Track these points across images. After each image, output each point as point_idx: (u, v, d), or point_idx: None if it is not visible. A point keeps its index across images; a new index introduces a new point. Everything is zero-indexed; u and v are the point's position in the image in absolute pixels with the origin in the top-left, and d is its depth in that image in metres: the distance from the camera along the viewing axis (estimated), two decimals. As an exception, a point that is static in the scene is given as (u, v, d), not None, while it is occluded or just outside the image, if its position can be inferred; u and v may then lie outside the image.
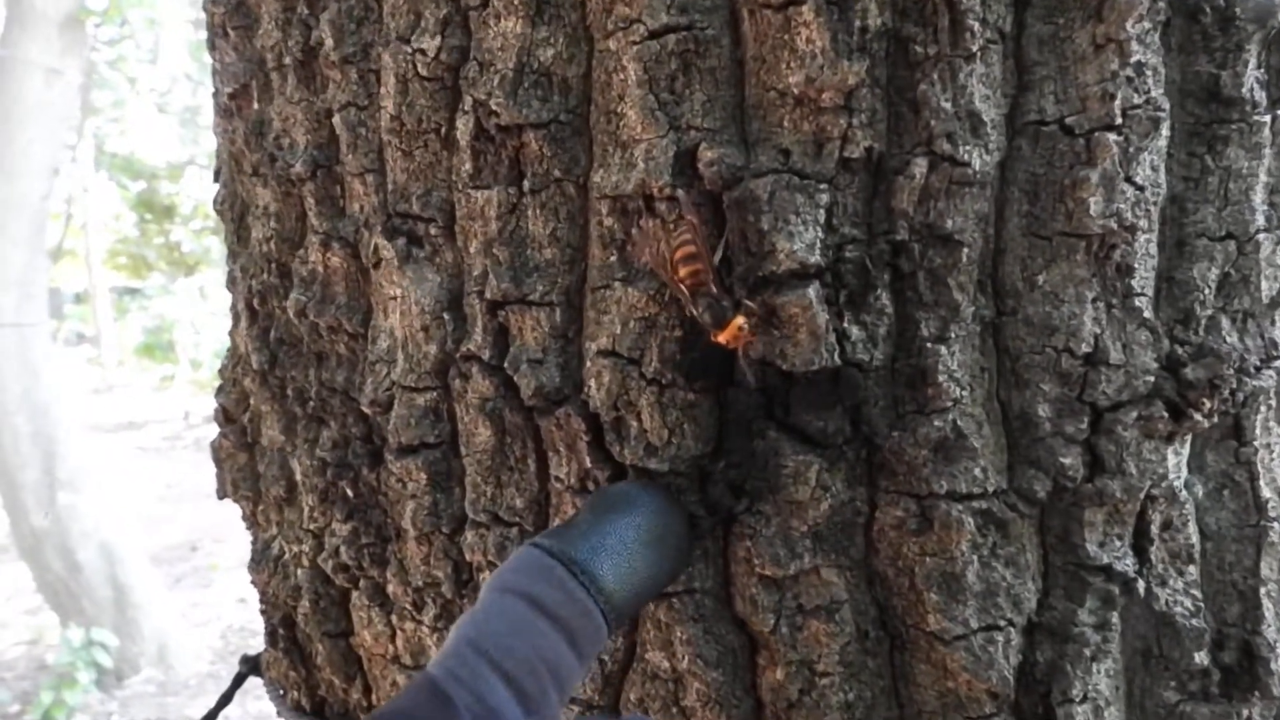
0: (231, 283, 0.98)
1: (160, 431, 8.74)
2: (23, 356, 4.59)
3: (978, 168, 0.66)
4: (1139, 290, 0.68)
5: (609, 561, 0.62)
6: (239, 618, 5.20)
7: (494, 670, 0.56)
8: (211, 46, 0.96)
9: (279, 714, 0.97)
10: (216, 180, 1.02)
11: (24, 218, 4.57)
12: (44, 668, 4.81)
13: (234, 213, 0.98)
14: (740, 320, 0.65)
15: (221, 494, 1.01)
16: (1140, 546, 0.72)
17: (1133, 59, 0.65)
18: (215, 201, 1.00)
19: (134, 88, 7.90)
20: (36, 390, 4.64)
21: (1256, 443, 0.73)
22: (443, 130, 0.77)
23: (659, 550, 0.66)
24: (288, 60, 0.85)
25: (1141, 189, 0.67)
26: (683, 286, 0.66)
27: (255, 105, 0.92)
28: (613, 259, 0.72)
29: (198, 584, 5.78)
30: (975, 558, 0.69)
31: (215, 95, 0.97)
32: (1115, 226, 0.66)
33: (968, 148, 0.65)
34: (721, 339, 0.65)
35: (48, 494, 4.67)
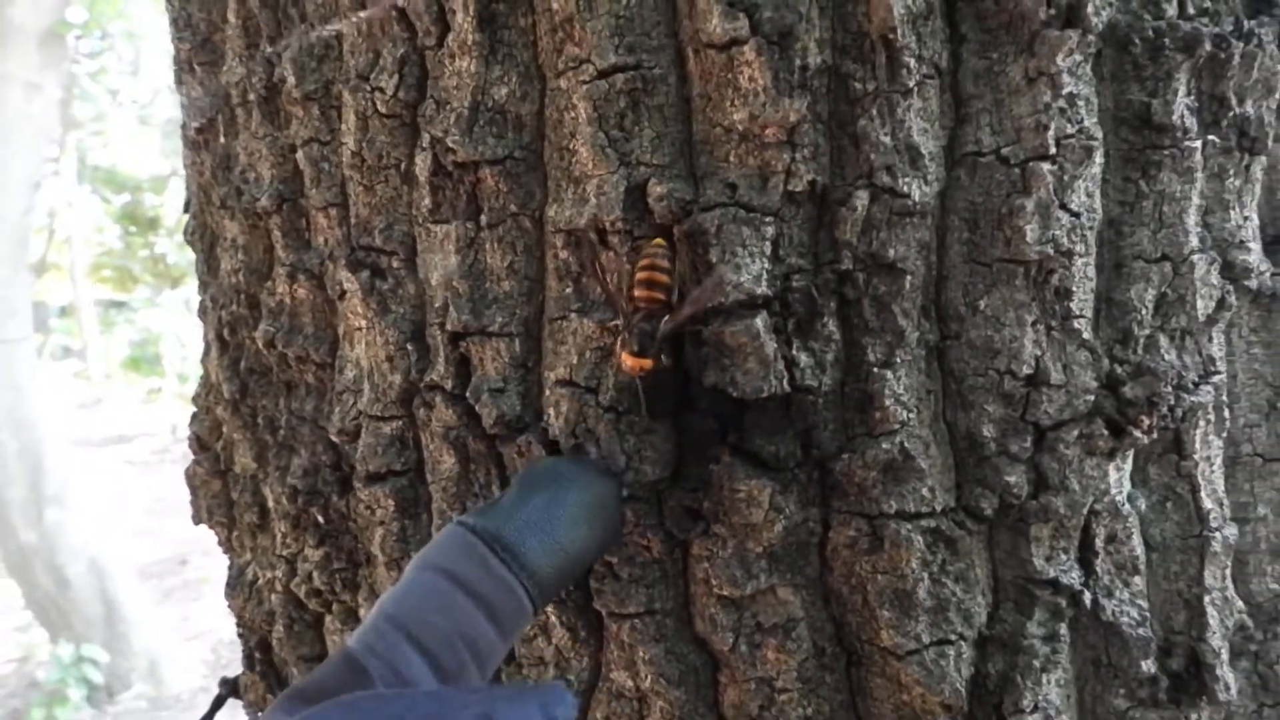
0: (202, 313, 1.00)
1: (148, 445, 8.71)
2: (7, 372, 4.57)
3: (918, 198, 0.68)
4: (1078, 312, 0.71)
5: (533, 538, 0.63)
6: (230, 631, 5.16)
7: (411, 644, 0.57)
8: (178, 81, 0.98)
9: (257, 736, 0.99)
10: (187, 211, 1.03)
11: (5, 232, 4.55)
12: (34, 685, 4.79)
13: (204, 244, 0.99)
14: (648, 363, 0.67)
15: (197, 520, 1.03)
16: (1086, 560, 0.74)
17: (1065, 91, 0.67)
18: (185, 232, 1.02)
19: (115, 100, 7.87)
20: (22, 406, 4.62)
21: (1197, 456, 0.75)
22: (402, 166, 0.79)
23: (588, 525, 0.66)
24: (252, 96, 0.87)
25: (1077, 215, 0.69)
26: (634, 304, 0.68)
27: (222, 139, 0.93)
28: (569, 290, 0.74)
29: (188, 598, 5.77)
30: (926, 574, 0.71)
31: (183, 128, 0.98)
32: (1052, 252, 0.68)
33: (908, 179, 0.68)
34: (625, 362, 0.67)
35: (35, 510, 4.65)
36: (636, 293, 0.68)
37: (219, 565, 1.06)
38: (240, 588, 0.99)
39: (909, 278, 0.69)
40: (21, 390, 4.65)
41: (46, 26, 4.63)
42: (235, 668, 1.06)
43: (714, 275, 0.67)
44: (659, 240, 0.69)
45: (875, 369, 0.70)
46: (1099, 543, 0.73)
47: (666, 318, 0.68)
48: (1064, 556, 0.73)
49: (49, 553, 4.68)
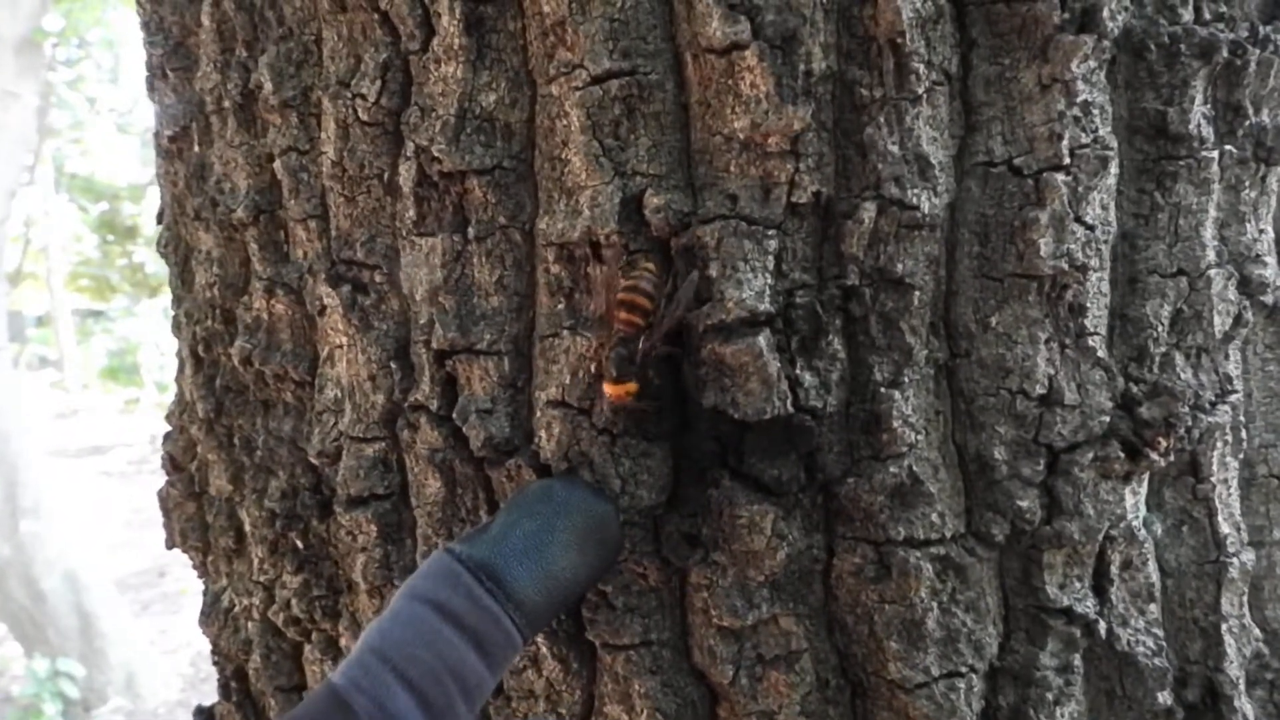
0: (176, 328, 0.96)
1: (126, 455, 8.62)
2: (-17, 383, 4.52)
3: (926, 210, 0.65)
4: (1092, 329, 0.68)
5: (521, 566, 0.60)
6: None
7: (397, 678, 0.54)
8: (150, 88, 0.94)
9: (233, 770, 0.95)
10: (160, 222, 0.99)
11: (-20, 242, 4.51)
12: (8, 700, 4.72)
13: (177, 256, 0.95)
14: (632, 388, 0.64)
15: (170, 544, 0.99)
16: (1100, 587, 0.71)
17: (1079, 98, 0.64)
18: (159, 244, 0.98)
19: (94, 108, 7.81)
20: (-3, 417, 4.56)
21: (1214, 478, 0.73)
22: (385, 176, 0.75)
23: (580, 551, 0.63)
24: (227, 103, 0.83)
25: (1092, 228, 0.66)
26: (614, 328, 0.65)
27: (196, 148, 0.90)
28: (560, 307, 0.70)
29: (166, 610, 5.70)
30: (935, 604, 0.68)
31: (156, 136, 0.95)
32: (1066, 267, 0.65)
33: (916, 190, 0.65)
34: (608, 392, 0.65)
35: (10, 522, 4.59)
36: (619, 314, 0.65)
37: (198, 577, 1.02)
38: (215, 615, 0.95)
39: (917, 293, 0.66)
40: (-3, 401, 4.60)
41: (23, 34, 4.59)
42: (214, 682, 1.02)
43: (689, 278, 0.64)
44: (648, 265, 0.66)
45: (882, 389, 0.67)
46: (1114, 569, 0.71)
47: (643, 339, 0.65)
48: (1078, 584, 0.70)
49: (24, 565, 4.62)
